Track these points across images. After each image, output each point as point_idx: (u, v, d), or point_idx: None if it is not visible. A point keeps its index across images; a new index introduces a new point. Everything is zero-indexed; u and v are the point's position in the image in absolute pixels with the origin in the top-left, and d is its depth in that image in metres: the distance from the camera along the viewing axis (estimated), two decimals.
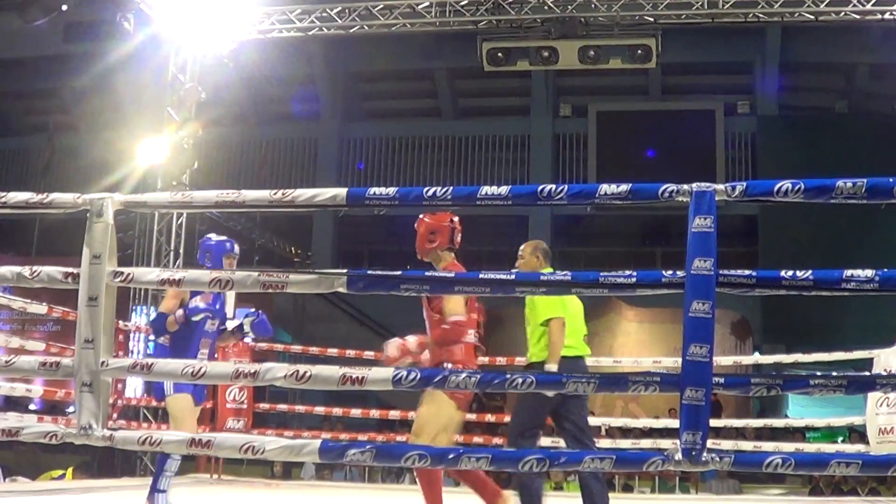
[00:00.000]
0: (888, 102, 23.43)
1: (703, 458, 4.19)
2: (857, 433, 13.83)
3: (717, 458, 4.22)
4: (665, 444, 11.44)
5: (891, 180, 4.25)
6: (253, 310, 7.73)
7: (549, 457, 4.36)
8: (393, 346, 6.42)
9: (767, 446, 11.33)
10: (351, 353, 12.14)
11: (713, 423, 11.25)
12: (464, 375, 4.38)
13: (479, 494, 6.15)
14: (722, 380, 4.32)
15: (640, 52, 14.30)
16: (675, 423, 11.57)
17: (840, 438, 15.38)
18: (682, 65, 22.61)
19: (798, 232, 20.80)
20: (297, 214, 23.06)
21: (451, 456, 4.36)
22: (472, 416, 12.93)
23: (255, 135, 26.01)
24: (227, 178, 23.23)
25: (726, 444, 10.99)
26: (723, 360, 11.52)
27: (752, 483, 14.26)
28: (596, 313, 19.57)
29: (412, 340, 6.48)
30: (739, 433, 13.82)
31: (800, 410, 18.56)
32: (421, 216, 6.46)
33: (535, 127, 25.41)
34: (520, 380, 4.36)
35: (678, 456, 4.21)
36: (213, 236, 7.51)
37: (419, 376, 4.41)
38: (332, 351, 12.24)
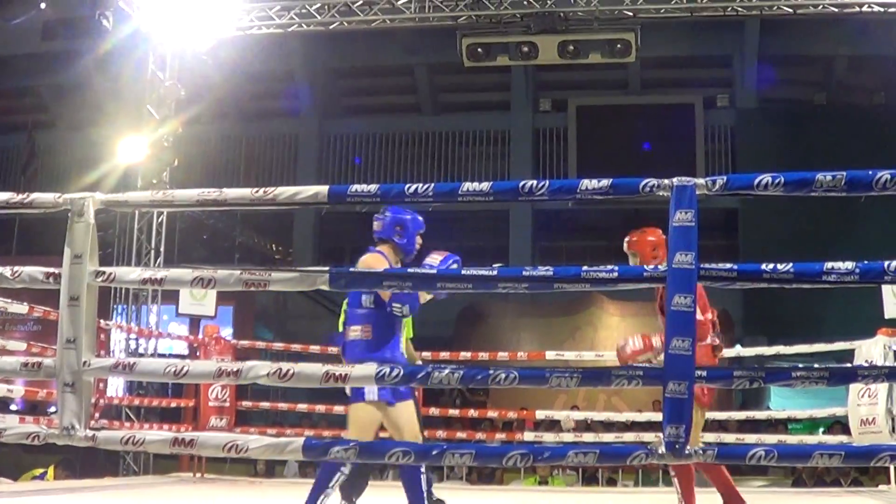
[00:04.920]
0: (866, 95, 23.54)
1: (687, 452, 4.22)
2: (839, 424, 13.87)
3: (700, 451, 4.25)
4: (648, 437, 11.48)
5: (870, 173, 4.27)
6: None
7: (533, 451, 4.37)
8: (637, 340, 6.70)
9: (750, 438, 11.40)
10: (333, 350, 12.13)
11: None
12: (447, 371, 4.39)
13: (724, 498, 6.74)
14: (704, 373, 4.35)
15: (619, 46, 14.32)
16: (657, 417, 11.66)
17: (822, 430, 15.42)
18: (661, 59, 22.66)
19: (778, 225, 20.88)
20: (278, 212, 22.93)
21: (434, 452, 4.38)
22: (454, 412, 12.99)
23: (235, 132, 25.93)
24: (207, 175, 23.07)
25: (709, 437, 11.01)
26: None
27: (734, 475, 14.14)
28: (578, 307, 19.61)
29: (651, 339, 6.73)
30: (721, 426, 13.85)
31: (782, 402, 18.59)
32: (639, 234, 6.87)
33: (516, 122, 25.44)
34: (503, 375, 4.38)
35: (661, 449, 4.23)
36: (402, 209, 6.37)
37: (402, 373, 4.42)
38: (315, 348, 12.22)
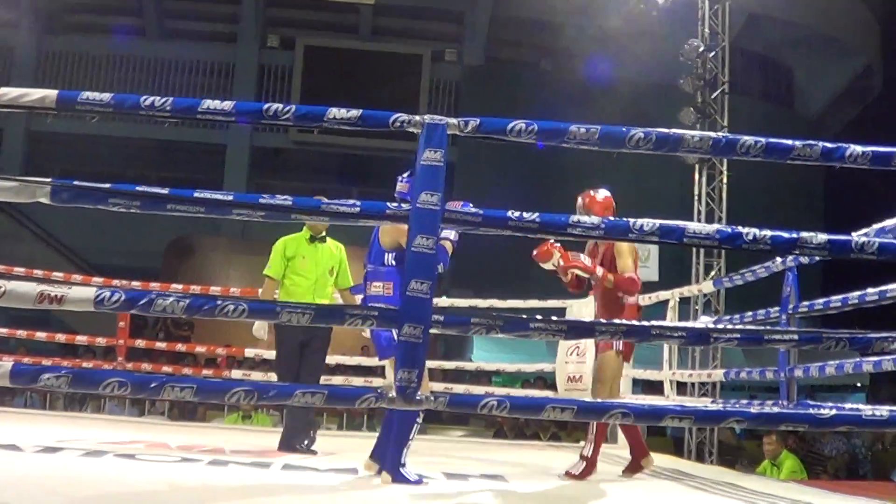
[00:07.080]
0: (591, 65, 24.21)
1: (418, 397, 4.12)
2: (541, 380, 14.25)
3: (432, 398, 4.17)
4: (356, 381, 11.52)
5: (624, 129, 4.30)
6: None
7: (259, 389, 4.19)
8: (586, 258, 6.71)
9: (458, 388, 11.50)
10: (39, 272, 11.53)
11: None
12: (171, 299, 4.13)
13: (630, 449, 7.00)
14: (442, 318, 4.26)
15: None
16: (365, 361, 11.68)
17: (520, 384, 15.80)
18: (395, 7, 22.73)
19: (495, 180, 21.18)
20: None
21: (153, 385, 4.12)
22: (161, 345, 12.63)
23: None
24: None
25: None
26: None
27: (435, 424, 14.43)
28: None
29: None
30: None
31: (484, 355, 18.90)
32: (593, 194, 6.88)
33: (241, 56, 24.99)
34: (231, 306, 4.16)
35: (392, 393, 4.13)
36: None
37: (123, 298, 4.13)
38: (20, 270, 11.55)
